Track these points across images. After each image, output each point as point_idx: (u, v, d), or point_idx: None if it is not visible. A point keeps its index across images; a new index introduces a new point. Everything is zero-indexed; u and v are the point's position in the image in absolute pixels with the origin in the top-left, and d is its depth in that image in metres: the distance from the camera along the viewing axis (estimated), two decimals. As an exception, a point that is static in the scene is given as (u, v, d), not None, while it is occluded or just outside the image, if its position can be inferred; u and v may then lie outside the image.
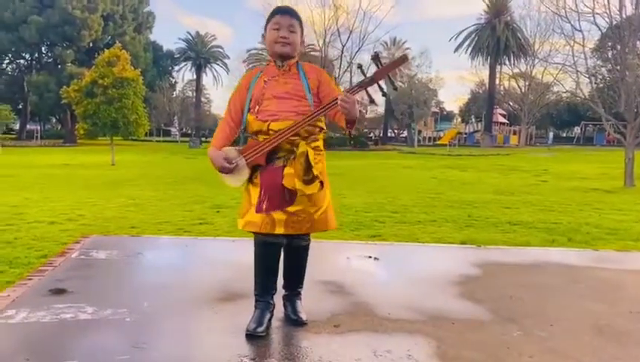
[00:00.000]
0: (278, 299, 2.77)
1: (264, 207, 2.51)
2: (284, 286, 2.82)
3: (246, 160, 2.56)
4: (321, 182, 2.57)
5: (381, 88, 2.50)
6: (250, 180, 2.62)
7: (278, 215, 2.50)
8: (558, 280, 3.71)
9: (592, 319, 2.91)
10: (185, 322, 2.71)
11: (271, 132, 2.52)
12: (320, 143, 2.67)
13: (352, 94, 2.41)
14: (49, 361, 2.22)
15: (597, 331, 2.74)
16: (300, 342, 2.50)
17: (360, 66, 2.63)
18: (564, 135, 58.98)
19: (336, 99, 2.42)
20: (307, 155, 2.52)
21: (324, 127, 2.69)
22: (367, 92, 2.53)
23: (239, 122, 2.69)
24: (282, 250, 2.67)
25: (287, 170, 2.51)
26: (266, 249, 2.64)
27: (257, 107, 2.58)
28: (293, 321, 2.71)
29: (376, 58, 2.47)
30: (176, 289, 3.24)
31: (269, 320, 2.64)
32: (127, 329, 2.57)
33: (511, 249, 4.86)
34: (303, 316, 2.74)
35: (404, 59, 2.65)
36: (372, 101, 2.78)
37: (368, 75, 2.48)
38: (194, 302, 2.98)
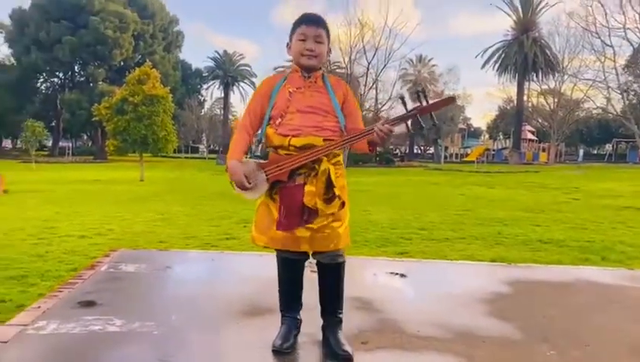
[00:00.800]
0: (304, 314, 2.73)
1: (285, 224, 2.46)
2: (323, 314, 2.65)
3: (267, 175, 2.48)
4: (343, 203, 2.49)
5: (420, 123, 2.45)
6: (269, 195, 2.55)
7: (302, 232, 2.44)
8: (592, 299, 3.60)
9: (629, 339, 2.80)
10: (212, 336, 2.70)
11: (291, 147, 2.45)
12: (340, 158, 2.60)
13: (392, 125, 2.36)
14: (78, 372, 2.24)
15: (634, 352, 2.64)
16: (328, 358, 2.46)
17: (402, 98, 2.59)
18: (595, 152, 57.90)
19: (372, 128, 2.39)
20: (329, 173, 2.45)
21: None
22: (407, 125, 2.47)
23: (257, 129, 2.61)
24: (317, 270, 2.61)
25: (308, 188, 2.43)
26: (290, 265, 2.61)
27: (279, 120, 2.49)
28: (337, 356, 2.45)
29: (422, 93, 2.43)
30: (203, 303, 3.24)
31: (296, 336, 2.61)
32: (154, 342, 2.57)
33: (542, 267, 4.74)
34: (349, 348, 2.47)
35: (451, 99, 2.57)
36: (410, 133, 2.68)
37: (410, 109, 2.42)
38: (221, 316, 2.98)
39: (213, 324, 2.86)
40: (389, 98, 36.58)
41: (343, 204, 2.50)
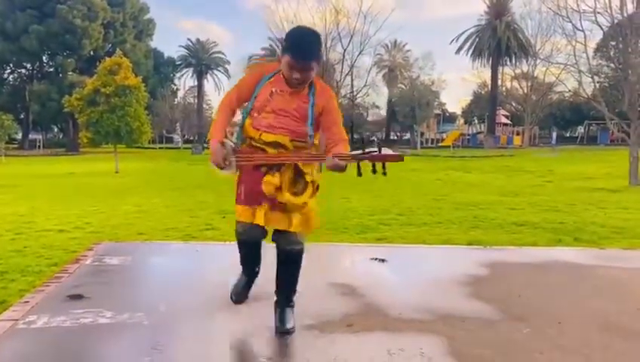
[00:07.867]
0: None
1: (243, 199, 2.67)
2: (276, 291, 2.79)
3: (237, 162, 2.68)
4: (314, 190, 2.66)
5: (374, 168, 2.45)
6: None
7: (259, 209, 2.61)
8: (565, 279, 3.76)
9: (600, 317, 2.95)
10: (201, 324, 2.76)
11: (261, 141, 2.62)
12: (312, 149, 2.69)
13: (342, 160, 2.40)
14: (73, 364, 2.28)
15: (605, 328, 2.78)
16: (316, 341, 2.55)
17: (363, 139, 2.68)
18: (568, 135, 58.77)
19: (325, 157, 2.48)
20: (296, 166, 2.60)
21: (315, 141, 2.70)
22: (357, 165, 2.46)
23: (241, 105, 2.77)
24: (276, 256, 2.72)
25: (267, 178, 2.58)
26: (245, 239, 2.79)
27: (256, 114, 2.64)
28: (278, 329, 2.63)
29: (379, 143, 2.52)
30: (190, 293, 3.30)
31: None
32: (145, 332, 2.63)
33: (517, 249, 4.90)
34: (289, 324, 2.64)
35: (399, 157, 2.53)
36: (359, 175, 2.65)
37: (365, 151, 2.41)
38: (208, 305, 3.03)
39: (201, 312, 2.92)
40: (365, 84, 36.73)
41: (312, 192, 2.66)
